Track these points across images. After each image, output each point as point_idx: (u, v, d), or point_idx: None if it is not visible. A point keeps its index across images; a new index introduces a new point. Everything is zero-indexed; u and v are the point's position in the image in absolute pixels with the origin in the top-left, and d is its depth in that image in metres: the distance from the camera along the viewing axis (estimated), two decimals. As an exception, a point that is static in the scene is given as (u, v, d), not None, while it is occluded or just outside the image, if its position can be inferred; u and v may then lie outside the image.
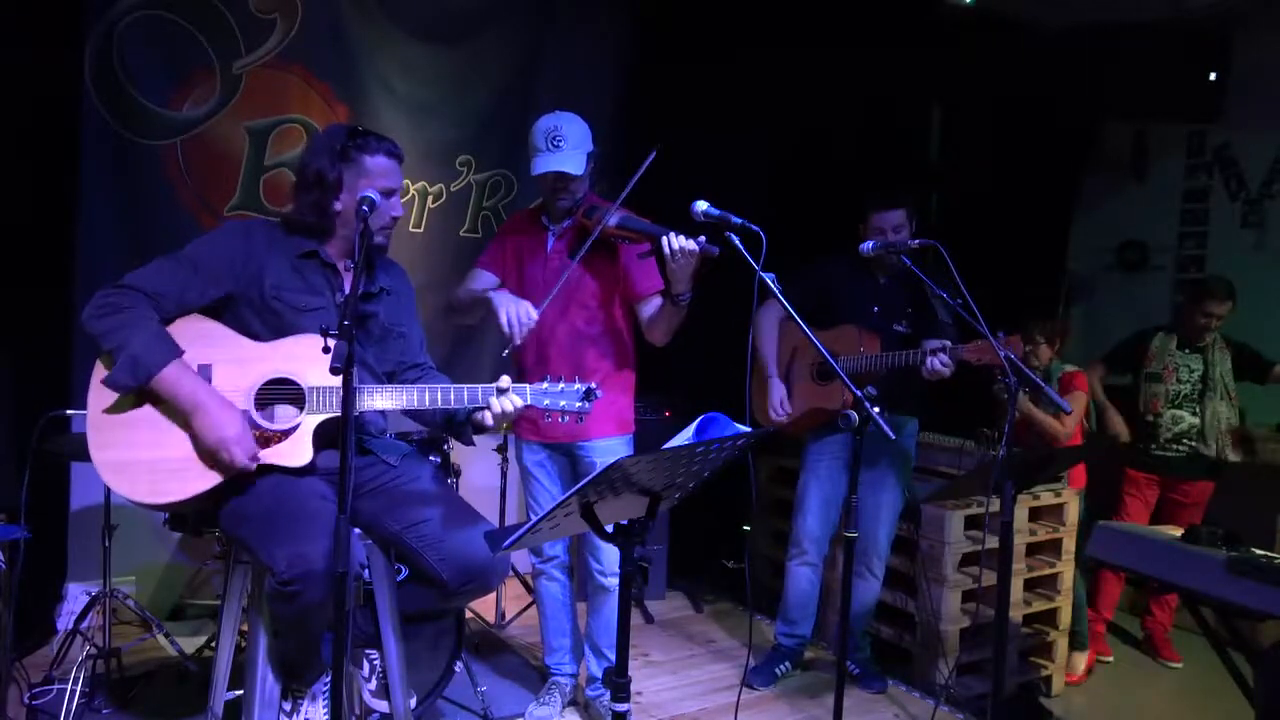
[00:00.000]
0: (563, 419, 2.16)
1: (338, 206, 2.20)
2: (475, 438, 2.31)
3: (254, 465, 2.04)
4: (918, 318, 3.19)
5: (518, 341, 2.50)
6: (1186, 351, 3.76)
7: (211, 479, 2.04)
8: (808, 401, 3.25)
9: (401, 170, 2.27)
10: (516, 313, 2.48)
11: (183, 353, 2.04)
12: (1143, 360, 3.82)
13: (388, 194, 2.20)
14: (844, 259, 3.22)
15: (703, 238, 2.37)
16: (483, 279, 2.84)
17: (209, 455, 2.02)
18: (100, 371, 2.04)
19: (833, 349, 3.15)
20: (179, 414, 2.03)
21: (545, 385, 2.14)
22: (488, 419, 2.15)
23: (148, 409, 2.05)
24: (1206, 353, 3.74)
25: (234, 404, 2.06)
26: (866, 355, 3.08)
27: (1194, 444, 3.72)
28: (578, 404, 2.13)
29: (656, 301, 2.69)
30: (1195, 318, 3.72)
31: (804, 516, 3.39)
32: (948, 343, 2.89)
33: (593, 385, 2.15)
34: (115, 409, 2.04)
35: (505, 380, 2.12)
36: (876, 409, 2.08)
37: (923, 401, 3.28)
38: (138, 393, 2.03)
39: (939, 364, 2.88)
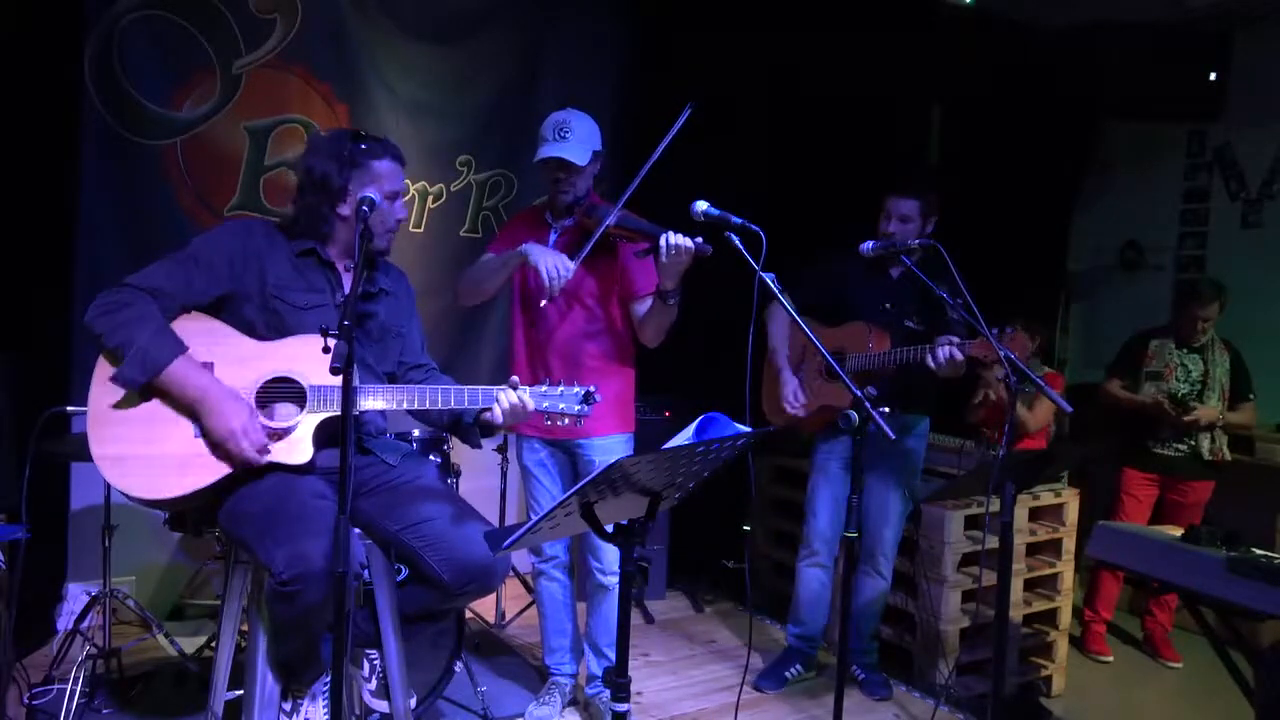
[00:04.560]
0: (562, 421, 2.16)
1: (344, 211, 2.21)
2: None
3: (263, 459, 2.04)
4: (930, 314, 3.14)
5: (555, 294, 2.53)
6: (1185, 351, 3.77)
7: (211, 475, 2.04)
8: (818, 400, 3.22)
9: (404, 173, 2.28)
10: (554, 265, 2.50)
11: (188, 348, 2.05)
12: (1143, 360, 3.83)
13: (392, 197, 2.21)
14: (859, 255, 3.19)
15: (699, 238, 2.39)
16: None
17: (218, 448, 2.03)
18: (104, 368, 2.05)
19: (841, 346, 3.14)
20: (186, 408, 2.04)
21: (544, 388, 2.15)
22: (497, 415, 2.15)
23: (148, 405, 2.05)
24: (1205, 352, 3.75)
25: (241, 396, 2.06)
26: (875, 353, 3.04)
27: (1193, 443, 3.72)
28: (577, 407, 2.14)
29: (651, 301, 2.70)
30: (1185, 321, 3.76)
31: (814, 517, 3.36)
32: (954, 338, 2.82)
33: (591, 389, 2.15)
34: (116, 405, 2.04)
35: (516, 379, 2.14)
36: (885, 409, 2.07)
37: (935, 400, 3.25)
38: (143, 390, 2.03)
39: (947, 353, 2.78)
